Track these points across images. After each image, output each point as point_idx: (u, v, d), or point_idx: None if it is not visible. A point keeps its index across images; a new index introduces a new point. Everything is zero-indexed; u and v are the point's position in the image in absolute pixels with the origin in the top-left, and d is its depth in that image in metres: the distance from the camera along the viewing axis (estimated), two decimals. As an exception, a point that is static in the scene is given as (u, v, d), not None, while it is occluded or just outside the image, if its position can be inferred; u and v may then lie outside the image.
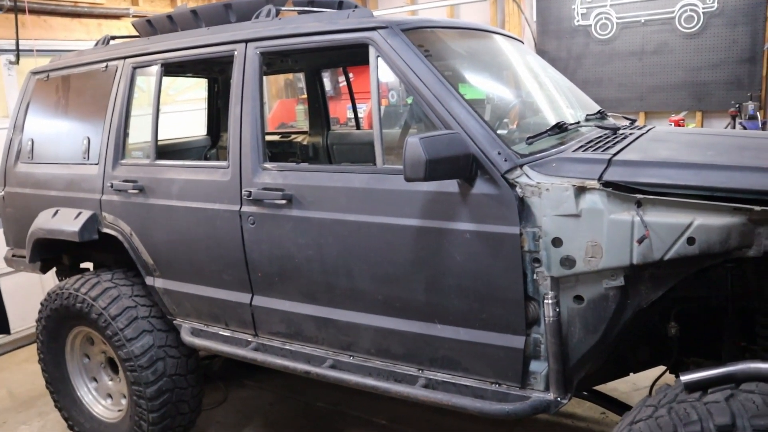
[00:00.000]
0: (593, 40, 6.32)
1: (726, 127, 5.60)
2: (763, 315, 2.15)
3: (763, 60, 5.59)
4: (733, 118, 5.53)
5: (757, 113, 5.31)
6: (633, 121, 3.22)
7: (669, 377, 2.67)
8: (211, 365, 4.30)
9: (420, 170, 1.94)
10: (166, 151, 4.17)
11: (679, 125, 5.67)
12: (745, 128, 5.26)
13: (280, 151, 4.60)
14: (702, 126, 6.03)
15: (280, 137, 4.74)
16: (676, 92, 6.02)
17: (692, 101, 5.97)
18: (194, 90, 6.66)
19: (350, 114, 7.25)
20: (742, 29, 5.63)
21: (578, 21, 6.36)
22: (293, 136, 4.71)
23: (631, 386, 3.72)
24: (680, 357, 2.46)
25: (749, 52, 5.65)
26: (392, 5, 7.51)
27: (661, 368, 2.59)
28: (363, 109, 6.33)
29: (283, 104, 7.69)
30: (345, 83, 5.12)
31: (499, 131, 2.27)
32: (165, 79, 3.10)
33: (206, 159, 4.61)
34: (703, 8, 5.74)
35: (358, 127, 4.79)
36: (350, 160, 4.33)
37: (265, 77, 6.86)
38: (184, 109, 6.25)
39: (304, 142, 4.56)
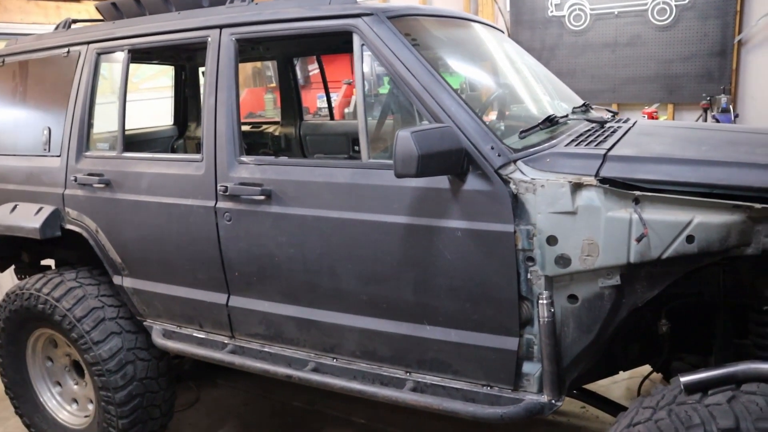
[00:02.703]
0: (567, 31, 6.29)
1: (697, 120, 5.63)
2: (756, 312, 2.13)
3: (733, 53, 5.63)
4: (705, 110, 5.57)
5: (730, 106, 5.35)
6: (615, 114, 3.18)
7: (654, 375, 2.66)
8: (181, 364, 4.15)
9: (412, 166, 1.84)
10: (131, 141, 3.98)
11: (653, 117, 5.68)
12: (718, 121, 5.30)
13: (251, 141, 4.44)
14: (674, 118, 6.07)
15: (251, 127, 4.58)
16: (648, 84, 6.03)
17: (664, 93, 5.99)
18: (158, 78, 6.44)
19: (321, 104, 7.11)
20: (713, 22, 5.66)
21: (552, 12, 6.32)
22: (264, 126, 4.56)
23: (610, 380, 3.70)
24: (669, 354, 2.43)
25: (720, 45, 5.68)
26: (364, -7, 7.37)
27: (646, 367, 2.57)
28: (334, 99, 6.19)
29: (251, 93, 7.49)
30: (316, 72, 4.98)
31: (489, 123, 2.19)
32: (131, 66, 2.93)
33: (173, 150, 4.43)
34: (676, 1, 5.75)
35: (332, 117, 4.66)
36: (324, 151, 4.20)
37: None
38: (148, 98, 6.04)
39: (276, 133, 4.42)
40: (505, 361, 2.08)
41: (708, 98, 5.60)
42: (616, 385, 3.70)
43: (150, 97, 6.01)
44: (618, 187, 1.89)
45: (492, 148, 2.01)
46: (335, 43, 3.46)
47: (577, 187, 1.92)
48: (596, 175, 1.93)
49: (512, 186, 1.97)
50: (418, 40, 2.30)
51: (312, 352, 2.47)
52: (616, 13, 6.04)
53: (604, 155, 2.02)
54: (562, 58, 6.35)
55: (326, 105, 4.73)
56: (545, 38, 6.41)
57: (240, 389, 3.94)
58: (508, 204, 1.97)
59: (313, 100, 7.12)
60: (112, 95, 2.94)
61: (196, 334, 2.78)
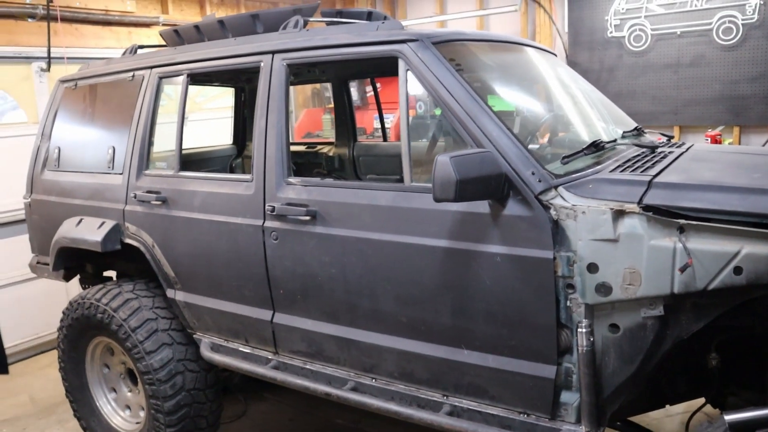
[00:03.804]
0: (626, 52, 6.17)
1: (765, 143, 5.41)
2: (813, 349, 2.03)
3: (804, 74, 5.40)
4: (773, 134, 5.34)
5: (799, 129, 5.11)
6: (670, 138, 3.10)
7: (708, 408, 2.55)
8: (231, 377, 4.24)
9: (450, 190, 1.86)
10: (191, 160, 4.15)
11: (716, 141, 5.49)
12: (786, 145, 5.07)
13: (305, 161, 4.55)
14: (740, 141, 5.84)
15: (306, 147, 4.69)
16: (712, 106, 5.83)
17: (729, 116, 5.78)
18: (222, 98, 6.67)
19: (377, 124, 7.19)
20: (783, 42, 5.45)
21: (611, 32, 6.22)
22: (319, 146, 4.66)
23: (663, 412, 3.57)
24: (721, 389, 2.33)
25: (790, 65, 5.46)
26: (421, 15, 7.45)
27: (700, 400, 2.46)
28: (390, 120, 6.25)
29: (309, 113, 7.66)
30: (372, 93, 5.05)
31: (530, 147, 2.18)
32: (192, 87, 3.07)
33: (232, 168, 4.58)
34: (743, 20, 5.56)
35: (384, 138, 4.72)
36: (376, 172, 4.25)
37: (291, 87, 6.86)
38: (212, 117, 6.26)
39: (330, 153, 4.51)
40: (542, 389, 2.05)
41: (777, 121, 5.38)
42: (669, 419, 3.56)
43: (214, 117, 6.23)
44: (662, 215, 1.85)
45: (533, 174, 2.00)
46: (387, 67, 3.52)
47: (619, 214, 1.89)
48: (639, 202, 1.90)
49: (552, 212, 1.96)
50: (462, 65, 2.32)
51: (352, 371, 2.49)
52: (678, 33, 5.89)
53: (649, 182, 1.98)
54: (621, 80, 6.23)
55: (389, 126, 4.77)
56: (604, 59, 6.31)
57: (287, 404, 3.99)
58: (548, 230, 1.95)
59: (371, 120, 7.21)
60: (176, 116, 3.07)
61: (241, 348, 2.86)
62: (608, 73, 6.29)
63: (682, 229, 1.83)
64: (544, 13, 6.54)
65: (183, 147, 3.05)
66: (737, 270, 1.76)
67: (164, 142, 3.37)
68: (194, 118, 6.28)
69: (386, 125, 4.85)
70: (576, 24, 6.45)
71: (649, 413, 3.47)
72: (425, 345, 2.25)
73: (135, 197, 3.07)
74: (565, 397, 2.06)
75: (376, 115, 4.67)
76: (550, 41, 6.56)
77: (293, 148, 4.78)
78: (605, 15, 6.21)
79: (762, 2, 5.42)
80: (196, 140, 4.80)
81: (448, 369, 2.22)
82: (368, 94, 7.44)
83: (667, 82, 6.02)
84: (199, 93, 6.40)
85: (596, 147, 2.30)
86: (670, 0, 5.87)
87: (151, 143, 3.14)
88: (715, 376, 2.22)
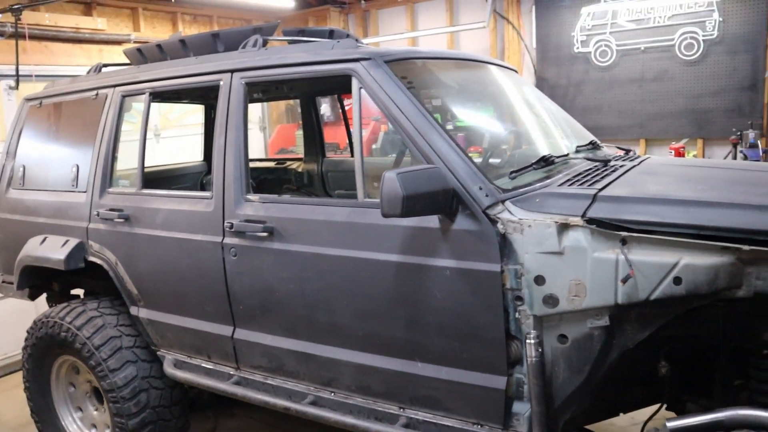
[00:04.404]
0: (593, 67, 6.30)
1: (727, 155, 5.54)
2: (756, 356, 2.08)
3: (764, 88, 5.55)
4: (734, 146, 5.48)
5: (758, 141, 5.26)
6: (628, 151, 3.16)
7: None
8: (200, 394, 4.22)
9: (397, 206, 1.89)
10: (160, 177, 4.16)
11: (680, 153, 5.62)
12: (746, 156, 5.20)
13: (275, 177, 4.58)
14: (704, 153, 5.98)
15: (276, 164, 4.72)
16: (676, 120, 5.97)
17: (693, 128, 5.93)
18: (196, 114, 6.69)
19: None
20: (742, 57, 5.60)
21: (578, 48, 6.35)
22: (289, 162, 4.69)
23: (629, 420, 3.61)
24: (677, 395, 2.38)
25: (750, 79, 5.61)
26: (392, 31, 7.54)
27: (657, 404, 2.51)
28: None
29: (283, 129, 7.70)
30: (349, 107, 5.11)
31: (484, 162, 2.23)
32: (165, 105, 3.09)
33: (202, 185, 4.59)
34: (704, 36, 5.72)
35: (353, 154, 4.76)
36: (345, 187, 4.29)
37: (266, 103, 6.85)
38: (188, 134, 6.27)
39: (299, 169, 4.54)
40: (494, 400, 2.09)
41: (738, 133, 5.52)
42: (635, 427, 3.61)
43: (191, 133, 6.23)
44: (605, 228, 1.90)
45: (480, 189, 2.05)
46: (347, 84, 3.57)
47: (563, 227, 1.94)
48: (583, 215, 1.94)
49: (500, 226, 2.00)
50: (414, 83, 2.38)
51: (311, 385, 2.52)
52: (642, 48, 6.04)
53: (594, 195, 2.02)
54: (588, 94, 6.36)
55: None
56: (572, 74, 6.44)
57: (256, 420, 3.98)
58: (495, 244, 1.99)
59: (344, 136, 7.25)
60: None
61: (204, 364, 2.87)
62: (575, 88, 6.42)
63: (624, 241, 1.88)
64: (512, 29, 6.66)
65: (148, 165, 3.07)
66: (677, 280, 1.81)
67: (131, 159, 3.38)
68: (168, 135, 6.29)
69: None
70: (544, 40, 6.58)
71: (615, 422, 3.52)
72: (381, 358, 2.28)
73: (98, 215, 3.08)
74: (517, 407, 2.09)
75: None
76: (518, 57, 6.68)
77: (263, 164, 4.82)
78: (572, 31, 6.35)
79: (721, 19, 5.58)
80: (171, 157, 4.80)
81: (403, 382, 2.25)
82: (347, 108, 7.49)
83: (632, 96, 6.16)
84: (171, 110, 6.42)
85: (546, 161, 2.35)
86: (635, 16, 6.01)
87: (114, 161, 3.15)
88: (666, 384, 2.27)
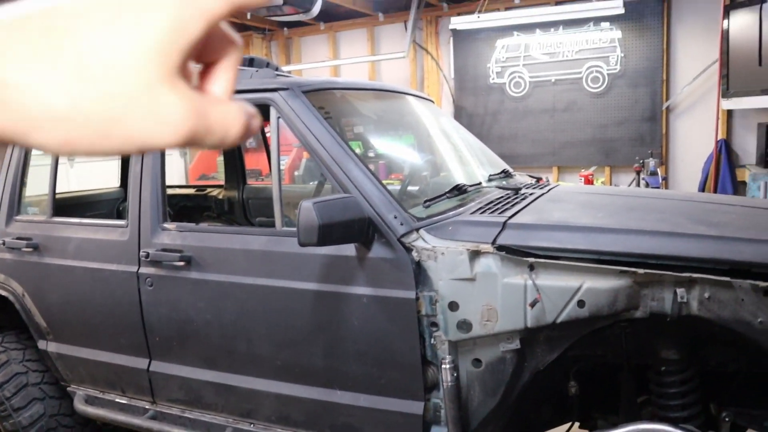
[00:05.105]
0: (508, 98, 6.57)
1: (631, 182, 5.89)
2: (655, 373, 2.22)
3: (662, 119, 5.96)
4: (638, 173, 5.84)
5: (658, 169, 5.62)
6: (538, 179, 3.32)
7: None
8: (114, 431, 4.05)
9: (313, 235, 1.92)
10: (73, 204, 4.00)
11: (589, 180, 5.92)
12: (647, 184, 5.55)
13: (195, 204, 4.50)
14: (611, 180, 6.33)
15: (196, 191, 4.64)
16: (586, 148, 6.31)
17: (601, 157, 6.27)
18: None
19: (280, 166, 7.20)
20: (643, 90, 6.01)
21: (493, 79, 6.62)
22: (209, 189, 4.62)
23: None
24: (587, 412, 2.49)
25: (650, 111, 6.01)
26: (315, 59, 7.62)
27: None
28: (284, 162, 6.30)
29: (204, 155, 7.59)
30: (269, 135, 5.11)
31: (402, 191, 2.29)
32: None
33: (119, 212, 4.45)
34: (608, 69, 6.09)
35: (275, 180, 4.75)
36: (265, 215, 4.26)
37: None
38: (103, 159, 6.06)
39: (220, 197, 4.48)
40: (412, 425, 2.12)
41: (640, 161, 5.89)
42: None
43: (104, 158, 6.03)
44: (514, 255, 1.99)
45: (395, 217, 2.11)
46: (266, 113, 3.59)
47: (475, 254, 2.02)
48: (493, 242, 2.03)
49: (414, 253, 2.06)
50: (331, 113, 2.43)
51: (230, 417, 2.48)
52: (553, 80, 6.36)
53: (504, 223, 2.12)
54: (504, 123, 6.62)
55: (283, 168, 4.82)
56: (488, 104, 6.69)
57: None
58: (410, 271, 2.05)
59: (266, 163, 7.23)
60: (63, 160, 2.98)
61: (118, 399, 2.77)
62: (492, 117, 6.67)
63: (531, 267, 1.97)
64: (431, 59, 6.87)
65: (60, 191, 2.96)
66: (581, 303, 1.91)
67: (41, 185, 3.25)
68: (83, 159, 6.06)
69: (281, 167, 4.88)
70: (461, 71, 6.81)
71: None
72: (300, 387, 2.28)
73: (4, 244, 2.94)
74: (435, 431, 2.14)
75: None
76: (437, 86, 6.88)
77: (182, 191, 4.73)
78: (488, 63, 6.61)
79: (623, 55, 5.96)
80: (86, 183, 4.63)
81: (323, 410, 2.26)
82: (268, 135, 7.47)
83: (544, 125, 6.46)
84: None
85: (459, 190, 2.45)
86: (546, 50, 6.34)
87: (23, 186, 3.03)
88: (575, 402, 2.37)
